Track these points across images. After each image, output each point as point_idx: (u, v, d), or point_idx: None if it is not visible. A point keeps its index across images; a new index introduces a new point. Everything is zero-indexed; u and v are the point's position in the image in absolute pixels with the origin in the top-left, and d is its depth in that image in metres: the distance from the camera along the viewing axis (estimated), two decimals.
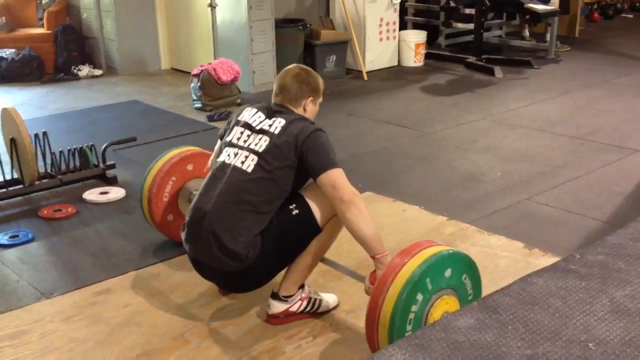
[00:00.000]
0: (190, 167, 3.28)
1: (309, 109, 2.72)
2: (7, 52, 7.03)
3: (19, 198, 4.05)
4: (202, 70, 5.89)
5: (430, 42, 7.89)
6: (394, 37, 7.39)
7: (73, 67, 7.21)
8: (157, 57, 7.54)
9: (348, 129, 5.38)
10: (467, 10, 7.53)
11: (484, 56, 7.34)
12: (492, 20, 8.18)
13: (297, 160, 2.54)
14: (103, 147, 4.35)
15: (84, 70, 7.22)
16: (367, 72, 7.02)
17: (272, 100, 2.74)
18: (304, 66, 2.79)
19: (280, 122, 2.60)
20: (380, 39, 7.28)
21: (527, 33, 8.32)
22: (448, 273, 2.29)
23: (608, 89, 6.39)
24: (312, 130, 2.56)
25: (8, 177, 4.10)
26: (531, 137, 5.08)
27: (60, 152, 4.16)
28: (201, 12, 6.88)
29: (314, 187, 2.57)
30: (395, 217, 3.74)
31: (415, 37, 7.48)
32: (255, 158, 2.56)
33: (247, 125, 2.66)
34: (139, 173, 4.15)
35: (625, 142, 4.91)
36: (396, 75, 7.20)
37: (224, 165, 2.64)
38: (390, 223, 3.65)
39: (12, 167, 4.04)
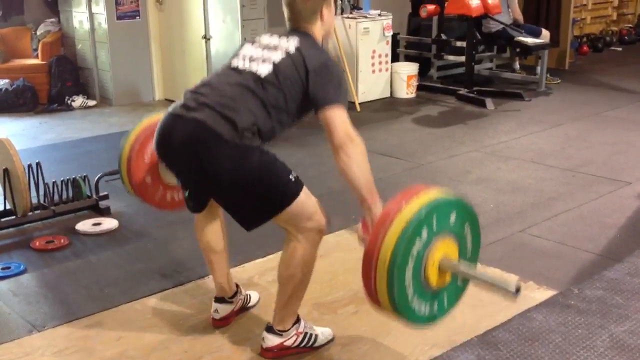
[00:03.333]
0: None
1: (326, 16, 2.63)
2: (1, 83, 7.02)
3: (11, 229, 4.02)
4: None
5: (422, 74, 7.94)
6: (386, 69, 7.45)
7: (67, 97, 7.20)
8: (151, 88, 7.56)
9: None
10: (459, 43, 7.61)
11: (475, 88, 7.40)
12: (483, 52, 8.27)
13: (305, 83, 2.49)
14: (96, 178, 4.33)
15: (78, 100, 7.22)
16: (359, 104, 7.05)
17: (287, 25, 2.67)
18: None
19: (295, 41, 2.54)
20: (373, 71, 7.33)
21: (517, 65, 8.39)
22: (453, 217, 2.26)
23: (598, 122, 6.45)
24: (324, 60, 2.51)
25: (0, 207, 4.08)
26: (523, 169, 5.11)
27: (54, 182, 4.14)
28: (195, 44, 6.93)
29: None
30: None
31: (407, 69, 7.54)
32: (270, 66, 2.51)
33: (261, 44, 2.62)
34: (132, 204, 4.14)
35: (617, 174, 4.94)
36: (388, 106, 7.24)
37: (234, 67, 2.58)
38: None
39: (5, 198, 4.02)
